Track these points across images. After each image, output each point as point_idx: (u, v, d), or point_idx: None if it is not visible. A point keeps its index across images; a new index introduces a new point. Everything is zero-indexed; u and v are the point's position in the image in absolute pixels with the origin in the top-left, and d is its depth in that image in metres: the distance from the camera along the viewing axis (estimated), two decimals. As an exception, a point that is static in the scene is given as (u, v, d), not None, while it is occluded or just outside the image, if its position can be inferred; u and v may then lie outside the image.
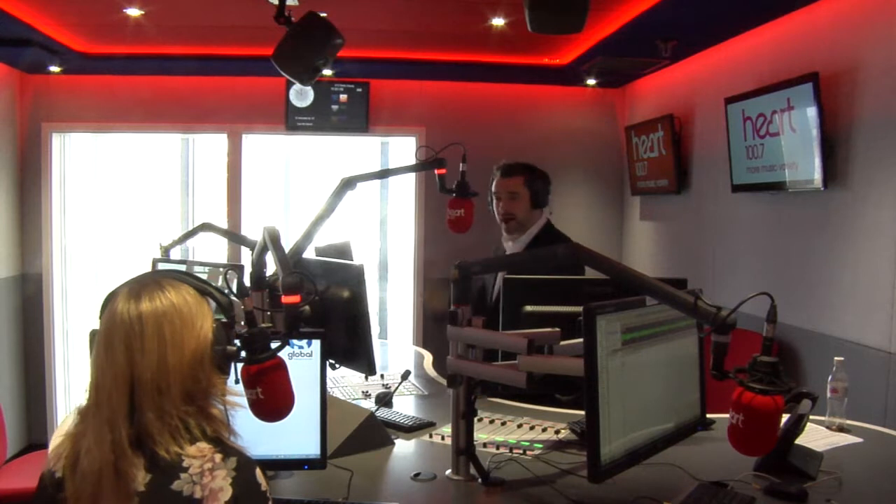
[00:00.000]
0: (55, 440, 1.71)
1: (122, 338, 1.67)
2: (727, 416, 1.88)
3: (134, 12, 5.07)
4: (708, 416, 2.68)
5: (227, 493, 1.62)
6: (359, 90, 7.19)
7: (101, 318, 1.74)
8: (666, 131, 6.32)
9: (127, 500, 1.60)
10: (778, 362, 1.85)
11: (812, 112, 4.34)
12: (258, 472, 1.71)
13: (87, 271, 7.43)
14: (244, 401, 1.81)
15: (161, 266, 4.64)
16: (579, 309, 2.13)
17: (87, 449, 1.64)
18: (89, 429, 1.66)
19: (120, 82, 6.96)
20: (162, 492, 1.61)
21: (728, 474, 2.46)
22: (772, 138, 4.77)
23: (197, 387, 1.70)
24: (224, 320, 1.79)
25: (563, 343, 2.50)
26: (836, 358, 3.10)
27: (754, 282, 5.15)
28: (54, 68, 6.52)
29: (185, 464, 1.63)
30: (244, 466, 1.68)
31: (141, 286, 1.75)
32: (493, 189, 4.11)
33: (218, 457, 1.66)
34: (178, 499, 1.61)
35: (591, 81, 7.03)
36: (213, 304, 1.80)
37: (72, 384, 7.16)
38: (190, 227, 5.64)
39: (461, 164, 3.32)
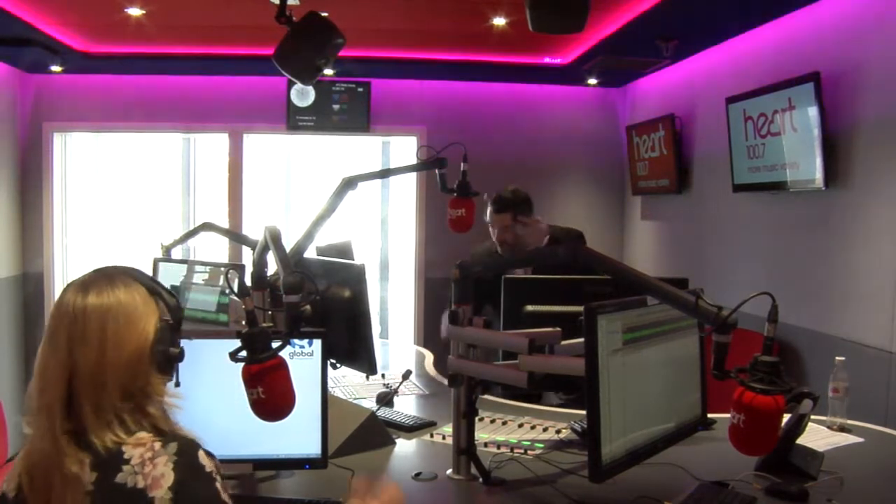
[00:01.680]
0: None
1: (65, 329, 1.67)
2: (728, 415, 1.88)
3: (135, 12, 5.07)
4: (709, 415, 2.68)
5: (170, 478, 1.61)
6: (360, 90, 7.19)
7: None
8: (667, 131, 6.32)
9: (75, 491, 1.60)
10: (779, 362, 1.85)
11: (813, 112, 4.34)
12: (201, 453, 1.68)
13: (88, 271, 7.41)
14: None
15: (163, 266, 4.64)
16: (580, 308, 2.13)
17: (32, 442, 1.65)
18: (33, 419, 1.67)
19: (121, 82, 6.98)
20: (108, 487, 1.60)
21: (729, 474, 2.46)
22: (773, 138, 4.77)
23: (134, 385, 1.68)
24: (171, 321, 1.78)
25: (563, 343, 2.50)
26: (837, 358, 3.10)
27: (755, 281, 5.15)
28: (55, 68, 6.52)
29: (126, 455, 1.61)
30: (185, 450, 1.65)
31: (92, 280, 1.75)
32: (486, 217, 4.29)
33: (157, 444, 1.64)
34: (123, 491, 1.59)
35: (592, 81, 7.03)
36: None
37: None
38: (191, 227, 5.65)
39: (462, 164, 3.32)
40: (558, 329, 2.53)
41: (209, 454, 1.69)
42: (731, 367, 1.91)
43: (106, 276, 1.76)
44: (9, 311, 6.73)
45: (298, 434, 2.36)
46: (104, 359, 1.65)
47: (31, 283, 7.01)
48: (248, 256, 5.05)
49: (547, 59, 6.55)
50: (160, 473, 1.61)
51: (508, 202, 4.26)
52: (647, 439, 2.33)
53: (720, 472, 2.46)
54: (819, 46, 4.51)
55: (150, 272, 4.64)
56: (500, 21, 5.25)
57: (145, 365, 1.71)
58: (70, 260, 7.28)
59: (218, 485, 1.68)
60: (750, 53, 5.30)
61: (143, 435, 1.65)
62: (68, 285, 1.76)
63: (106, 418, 1.64)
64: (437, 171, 3.35)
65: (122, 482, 1.59)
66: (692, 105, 6.17)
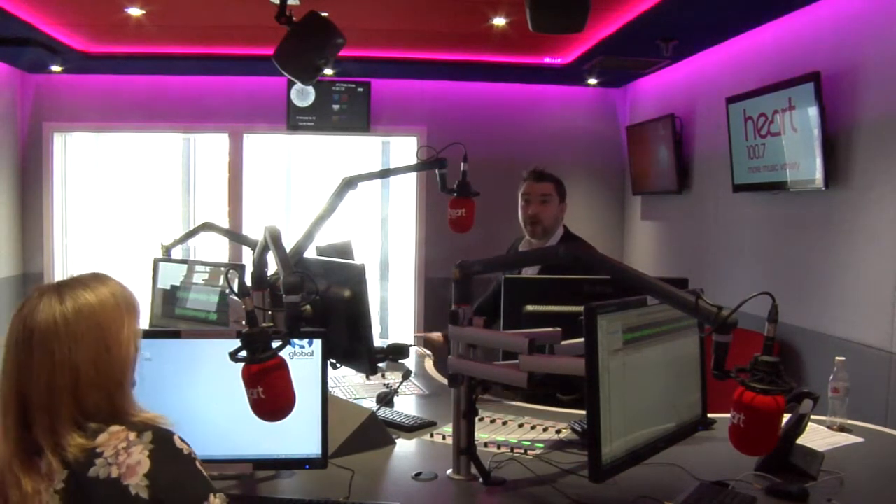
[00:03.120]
0: None
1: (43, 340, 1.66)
2: (728, 415, 1.88)
3: (135, 12, 5.08)
4: (709, 415, 2.68)
5: (146, 465, 1.61)
6: (360, 90, 7.20)
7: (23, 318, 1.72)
8: (667, 131, 6.33)
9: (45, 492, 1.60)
10: (779, 362, 1.85)
11: (813, 112, 4.34)
12: (176, 438, 1.69)
13: (88, 271, 7.40)
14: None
15: (163, 266, 4.64)
16: (580, 308, 2.13)
17: None
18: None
19: (121, 82, 6.98)
20: (80, 482, 1.60)
21: (729, 474, 2.46)
22: (773, 138, 4.77)
23: (111, 381, 1.70)
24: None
25: (564, 343, 2.50)
26: (837, 358, 3.10)
27: (755, 281, 5.15)
28: (56, 68, 6.53)
29: (98, 450, 1.62)
30: (160, 438, 1.66)
31: (61, 287, 1.75)
32: (522, 191, 4.06)
33: (132, 435, 1.64)
34: (97, 483, 1.60)
35: (593, 81, 7.04)
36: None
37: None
38: (191, 227, 5.65)
39: (462, 164, 3.32)
40: (558, 329, 2.53)
41: (183, 440, 1.70)
42: (731, 367, 1.91)
43: (76, 282, 1.78)
44: (9, 311, 6.69)
45: (298, 434, 2.36)
46: (71, 361, 1.65)
47: (31, 284, 6.99)
48: (248, 256, 5.05)
49: (547, 60, 6.55)
50: (135, 461, 1.61)
51: (549, 173, 4.06)
52: (648, 439, 2.33)
53: (720, 472, 2.46)
54: (819, 46, 4.51)
55: (150, 272, 4.65)
56: (500, 21, 5.25)
57: (123, 362, 1.72)
58: (70, 260, 7.28)
59: (198, 464, 1.69)
60: (750, 53, 5.30)
61: (116, 428, 1.65)
62: (29, 299, 1.74)
63: (73, 418, 1.64)
64: (437, 172, 3.36)
65: (95, 475, 1.60)
66: (692, 105, 6.17)
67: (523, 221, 4.08)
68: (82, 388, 1.65)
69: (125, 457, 1.61)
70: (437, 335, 4.32)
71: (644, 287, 2.17)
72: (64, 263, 7.20)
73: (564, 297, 2.90)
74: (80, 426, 1.64)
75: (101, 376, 1.68)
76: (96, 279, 1.79)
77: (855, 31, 4.25)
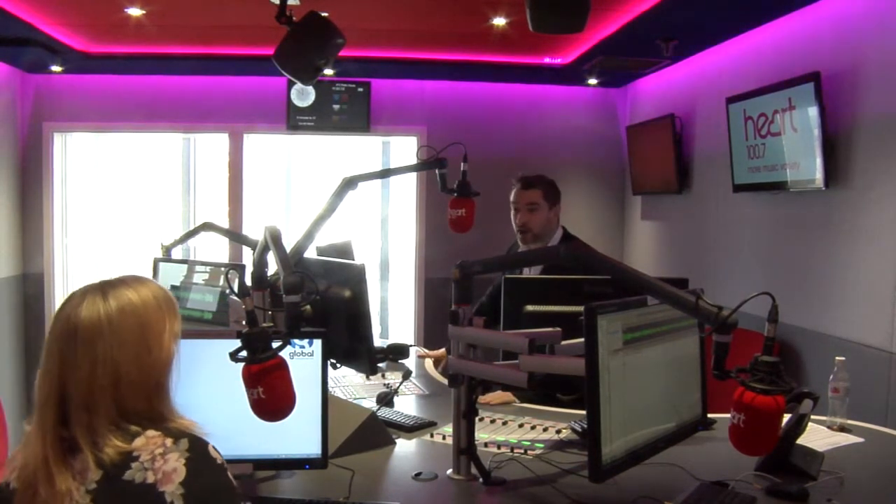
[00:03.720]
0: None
1: (84, 340, 1.66)
2: (728, 416, 1.88)
3: (135, 12, 5.07)
4: (709, 415, 2.68)
5: (181, 473, 1.63)
6: (360, 90, 7.19)
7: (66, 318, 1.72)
8: (667, 131, 6.32)
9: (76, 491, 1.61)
10: (779, 362, 1.85)
11: (813, 112, 4.34)
12: (210, 448, 1.71)
13: (88, 271, 7.43)
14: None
15: (163, 266, 4.64)
16: (580, 308, 2.13)
17: (25, 455, 1.65)
18: (35, 429, 1.67)
19: (121, 82, 6.98)
20: (114, 485, 1.61)
21: (729, 474, 2.46)
22: (773, 138, 4.77)
23: (151, 386, 1.72)
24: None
25: (564, 343, 2.50)
26: (837, 358, 3.10)
27: (755, 281, 5.15)
28: (56, 68, 6.52)
29: (134, 454, 1.63)
30: (196, 446, 1.68)
31: (104, 286, 1.76)
32: (511, 199, 4.09)
33: (168, 441, 1.66)
34: (132, 487, 1.61)
35: (593, 81, 7.04)
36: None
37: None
38: (191, 227, 5.65)
39: (462, 164, 3.32)
40: (558, 329, 2.53)
41: (216, 449, 1.71)
42: (731, 367, 1.91)
43: (119, 282, 1.78)
44: (9, 311, 6.73)
45: (298, 434, 2.36)
46: (111, 361, 1.66)
47: (31, 284, 7.01)
48: (248, 256, 5.05)
49: (547, 60, 6.55)
50: (171, 468, 1.63)
51: (537, 179, 4.08)
52: (648, 439, 2.33)
53: (720, 472, 2.47)
54: (819, 46, 4.51)
55: (150, 272, 4.65)
56: (500, 21, 5.25)
57: (164, 364, 1.74)
58: (70, 260, 7.28)
59: (229, 474, 1.71)
60: (750, 53, 5.30)
61: (152, 433, 1.66)
62: (72, 296, 1.75)
63: (113, 420, 1.65)
64: (437, 172, 3.36)
65: (131, 479, 1.61)
66: (692, 105, 6.17)
67: (515, 229, 4.11)
68: (123, 387, 1.66)
69: (161, 463, 1.63)
70: (440, 352, 4.32)
71: (644, 287, 2.17)
72: (64, 263, 7.19)
73: (564, 297, 2.90)
74: (119, 427, 1.65)
75: (142, 376, 1.69)
76: (137, 280, 1.80)
77: (855, 31, 4.24)
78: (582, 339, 2.13)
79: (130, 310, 1.71)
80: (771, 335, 1.87)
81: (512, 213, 4.11)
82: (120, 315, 1.69)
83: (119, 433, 1.64)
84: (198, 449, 1.68)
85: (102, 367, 1.65)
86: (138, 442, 1.64)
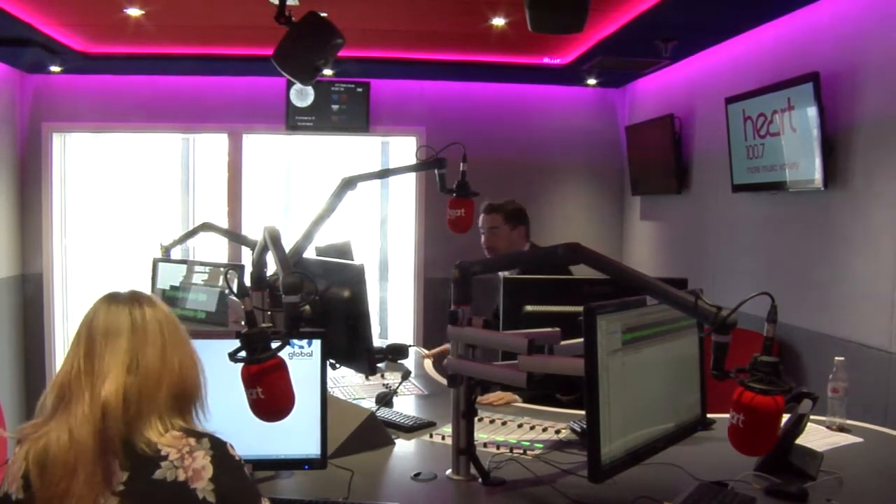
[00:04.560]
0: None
1: (126, 334, 1.74)
2: (727, 416, 1.88)
3: (134, 12, 5.07)
4: (708, 415, 2.68)
5: (209, 470, 1.69)
6: (359, 90, 7.20)
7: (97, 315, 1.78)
8: (666, 131, 6.32)
9: (97, 488, 1.64)
10: (779, 362, 1.85)
11: (812, 112, 4.34)
12: (230, 446, 1.77)
13: (87, 271, 7.43)
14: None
15: (162, 266, 4.64)
16: (579, 309, 2.13)
17: (50, 436, 1.67)
18: (62, 416, 1.70)
19: (120, 82, 6.98)
20: (143, 485, 1.65)
21: (728, 474, 2.46)
22: (772, 138, 4.77)
23: (185, 387, 1.79)
24: None
25: (563, 343, 2.50)
26: (836, 358, 3.10)
27: (755, 281, 5.15)
28: (55, 68, 6.53)
29: (162, 453, 1.68)
30: (217, 444, 1.74)
31: (136, 296, 1.83)
32: (478, 224, 4.35)
33: (192, 440, 1.71)
34: (163, 486, 1.66)
35: (592, 81, 7.04)
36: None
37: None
38: (190, 227, 5.65)
39: (461, 164, 3.32)
40: (558, 329, 2.53)
41: (234, 448, 1.78)
42: (730, 367, 1.91)
43: (143, 296, 1.86)
44: (8, 311, 6.73)
45: (298, 434, 2.36)
46: (166, 362, 1.75)
47: (30, 284, 7.01)
48: (247, 257, 5.05)
49: (546, 60, 6.55)
50: (201, 466, 1.68)
51: (499, 205, 4.37)
52: (647, 439, 2.33)
53: (720, 473, 2.46)
54: (818, 46, 4.51)
55: (149, 272, 4.65)
56: (499, 21, 5.25)
57: (197, 369, 1.82)
58: (69, 260, 7.27)
59: (248, 470, 1.79)
60: (749, 53, 5.30)
61: (176, 433, 1.72)
62: (105, 298, 1.82)
63: (152, 419, 1.70)
64: (436, 172, 3.36)
65: (162, 478, 1.66)
66: (691, 105, 6.17)
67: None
68: (166, 389, 1.74)
69: (190, 461, 1.68)
70: (442, 348, 4.37)
71: (643, 287, 2.18)
72: (63, 264, 7.19)
73: (564, 297, 2.90)
74: (152, 425, 1.70)
75: (184, 384, 1.78)
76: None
77: (854, 32, 4.24)
78: (581, 340, 2.13)
79: (172, 319, 1.84)
80: (770, 335, 1.87)
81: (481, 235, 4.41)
82: (168, 318, 1.82)
83: (161, 425, 1.71)
84: (219, 448, 1.74)
85: (159, 366, 1.74)
86: (165, 440, 1.69)
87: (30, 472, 1.66)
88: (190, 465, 1.67)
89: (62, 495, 1.62)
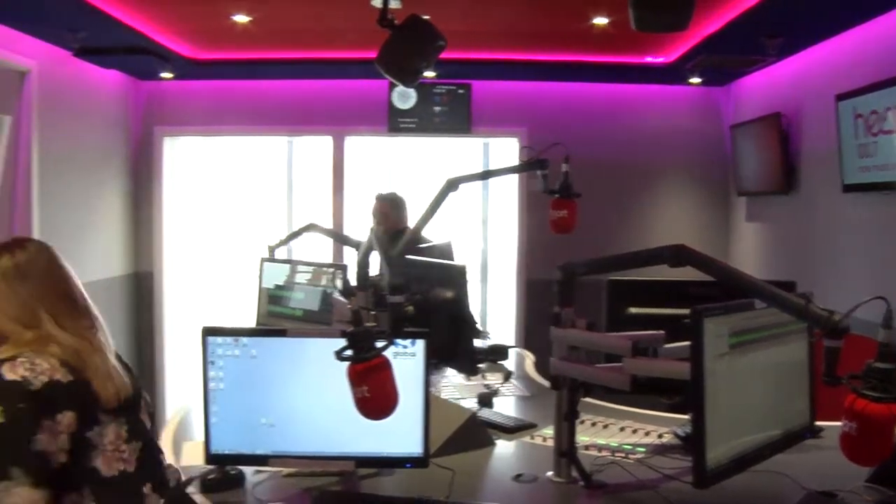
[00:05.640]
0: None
1: None
2: (836, 423, 1.83)
3: (241, 19, 5.21)
4: (817, 423, 2.61)
5: None
6: (460, 91, 7.23)
7: None
8: (773, 130, 6.18)
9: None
10: (894, 369, 1.80)
11: (929, 109, 4.19)
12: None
13: (196, 270, 7.66)
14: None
15: (267, 266, 4.75)
16: (684, 311, 2.10)
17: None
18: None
19: (227, 87, 7.18)
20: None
21: (838, 484, 2.39)
22: (885, 136, 4.62)
23: None
24: None
25: (667, 346, 2.47)
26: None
27: (866, 285, 4.99)
28: (166, 75, 6.75)
29: None
30: None
31: None
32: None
33: None
34: None
35: (695, 80, 6.92)
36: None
37: (181, 378, 7.37)
38: (292, 228, 5.77)
39: (563, 165, 3.31)
40: (662, 332, 2.50)
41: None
42: (842, 374, 1.86)
43: None
44: (121, 308, 6.97)
45: (400, 433, 2.39)
46: None
47: (142, 282, 7.27)
48: (349, 257, 5.13)
49: (648, 59, 6.48)
50: None
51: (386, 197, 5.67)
52: (753, 446, 2.28)
53: (829, 482, 2.39)
54: (935, 41, 4.36)
55: (256, 271, 4.77)
56: (601, 20, 5.21)
57: None
58: (179, 260, 7.50)
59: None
60: (859, 49, 5.14)
61: None
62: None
63: None
64: (538, 173, 3.35)
65: None
66: (799, 103, 6.01)
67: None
68: None
69: None
70: None
71: (751, 290, 2.13)
72: (173, 262, 7.42)
73: (668, 299, 2.87)
74: None
75: None
76: None
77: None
78: (686, 343, 2.11)
79: None
80: (886, 341, 1.82)
81: None
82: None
83: None
84: None
85: None
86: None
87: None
88: None
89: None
